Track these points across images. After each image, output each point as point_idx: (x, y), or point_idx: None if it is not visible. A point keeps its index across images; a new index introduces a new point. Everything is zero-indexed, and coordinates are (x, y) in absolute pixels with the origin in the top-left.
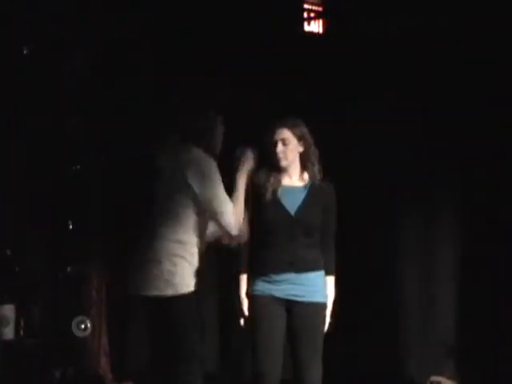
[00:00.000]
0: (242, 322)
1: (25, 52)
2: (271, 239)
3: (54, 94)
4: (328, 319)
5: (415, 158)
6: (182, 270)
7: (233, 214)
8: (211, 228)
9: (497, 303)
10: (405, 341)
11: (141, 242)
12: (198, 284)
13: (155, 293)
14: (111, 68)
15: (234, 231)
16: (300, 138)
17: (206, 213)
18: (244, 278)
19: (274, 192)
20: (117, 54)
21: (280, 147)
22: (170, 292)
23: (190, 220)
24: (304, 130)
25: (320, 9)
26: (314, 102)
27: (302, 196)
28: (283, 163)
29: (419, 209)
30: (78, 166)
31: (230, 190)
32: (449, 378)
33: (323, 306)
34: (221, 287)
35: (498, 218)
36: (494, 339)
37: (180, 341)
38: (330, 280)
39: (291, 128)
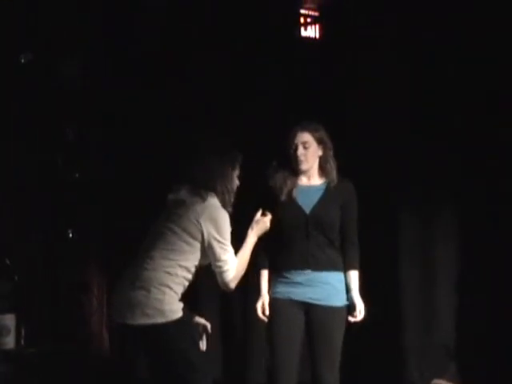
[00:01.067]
0: (259, 312)
1: (22, 61)
2: (287, 238)
3: (54, 102)
4: (363, 313)
5: (414, 159)
6: (170, 298)
7: (235, 270)
8: None
9: (498, 306)
10: (406, 344)
11: (130, 270)
12: (184, 310)
13: (143, 321)
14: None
15: (231, 287)
16: (320, 142)
17: (208, 260)
18: (263, 273)
19: (290, 192)
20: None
21: (301, 150)
22: (159, 320)
23: (188, 260)
24: (324, 134)
25: (317, 14)
26: (312, 107)
27: (318, 195)
28: (304, 166)
29: (419, 209)
30: (78, 175)
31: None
32: (450, 381)
33: (341, 310)
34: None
35: (498, 219)
36: (495, 342)
37: (177, 364)
38: (354, 274)
39: (312, 132)
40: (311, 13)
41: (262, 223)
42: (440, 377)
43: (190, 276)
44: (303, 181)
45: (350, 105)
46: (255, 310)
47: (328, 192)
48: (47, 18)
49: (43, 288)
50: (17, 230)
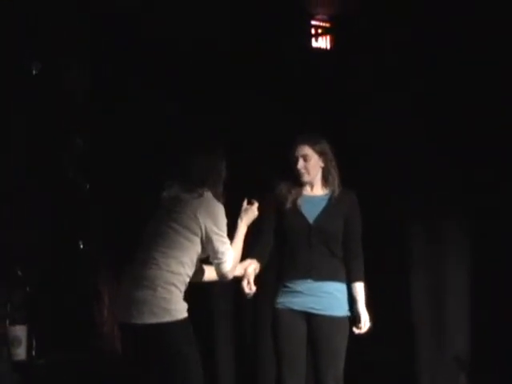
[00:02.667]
0: (245, 288)
1: (34, 72)
2: (290, 247)
3: (62, 109)
4: (367, 324)
5: (423, 169)
6: (176, 297)
7: (233, 260)
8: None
9: (510, 316)
10: (417, 355)
11: (133, 270)
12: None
13: (150, 320)
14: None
15: (229, 277)
16: (321, 154)
17: (206, 252)
18: (250, 261)
19: (294, 201)
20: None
21: (301, 163)
22: (166, 318)
23: (189, 255)
24: (324, 145)
25: (328, 25)
26: (322, 118)
27: (322, 205)
28: (305, 178)
29: (428, 221)
30: (88, 185)
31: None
32: None
33: (342, 320)
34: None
35: (509, 228)
36: (507, 352)
37: (177, 364)
38: (360, 286)
39: (312, 145)
40: (322, 24)
41: (250, 212)
42: None
43: (190, 272)
44: (307, 191)
45: (361, 115)
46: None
47: (332, 202)
48: (55, 27)
49: (55, 299)
50: (28, 241)
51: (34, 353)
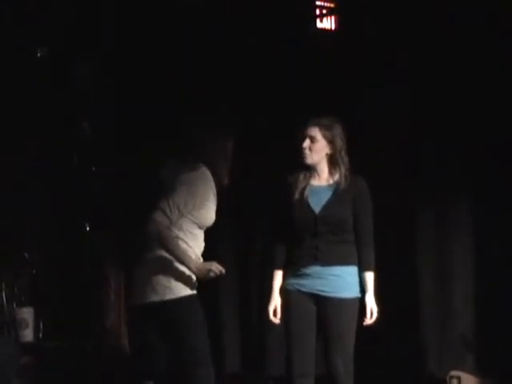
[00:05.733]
0: (271, 315)
1: (39, 55)
2: (297, 236)
3: (70, 96)
4: (375, 314)
5: (428, 157)
6: (180, 274)
7: (162, 232)
8: None
9: None
10: (424, 337)
11: (140, 252)
12: (195, 287)
13: (155, 299)
14: (127, 71)
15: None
16: (329, 142)
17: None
18: (277, 273)
19: (302, 191)
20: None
21: (307, 143)
22: (168, 296)
23: (186, 228)
24: (336, 133)
25: (332, 5)
26: (327, 100)
27: (328, 195)
28: (307, 160)
29: (434, 206)
30: (94, 168)
31: None
32: (468, 372)
33: (351, 301)
34: (241, 285)
35: None
36: None
37: (183, 341)
38: (369, 276)
39: (322, 129)
40: (327, 4)
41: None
42: (459, 369)
43: (193, 244)
44: (315, 180)
45: (366, 98)
46: (267, 312)
47: (338, 192)
48: (64, 14)
49: (61, 281)
50: (34, 225)
51: (41, 335)
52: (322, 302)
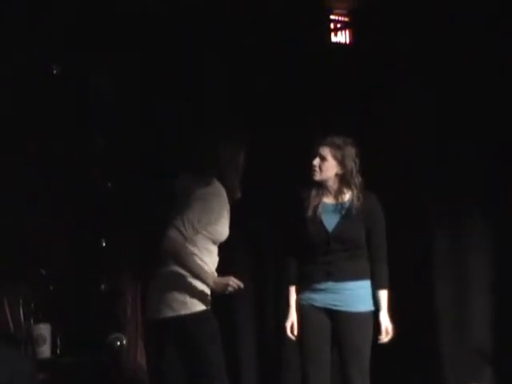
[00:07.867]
0: (288, 332)
1: (55, 72)
2: (311, 254)
3: (84, 111)
4: (391, 333)
5: (444, 165)
6: (195, 290)
7: (174, 246)
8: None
9: None
10: (441, 349)
11: (156, 266)
12: (209, 303)
13: (170, 314)
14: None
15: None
16: (339, 162)
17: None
18: (292, 289)
19: (315, 208)
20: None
21: (316, 161)
22: (184, 311)
23: (200, 244)
24: (347, 153)
25: (347, 19)
26: (341, 113)
27: (341, 213)
28: (316, 177)
29: (450, 219)
30: (110, 184)
31: None
32: None
33: (365, 315)
34: (256, 298)
35: None
36: None
37: (199, 356)
38: (383, 294)
39: (333, 149)
40: (341, 18)
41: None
42: (476, 381)
43: (208, 260)
44: (328, 198)
45: (379, 110)
46: (284, 328)
47: (350, 210)
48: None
49: (78, 297)
50: (51, 240)
51: (58, 351)
52: (335, 316)
